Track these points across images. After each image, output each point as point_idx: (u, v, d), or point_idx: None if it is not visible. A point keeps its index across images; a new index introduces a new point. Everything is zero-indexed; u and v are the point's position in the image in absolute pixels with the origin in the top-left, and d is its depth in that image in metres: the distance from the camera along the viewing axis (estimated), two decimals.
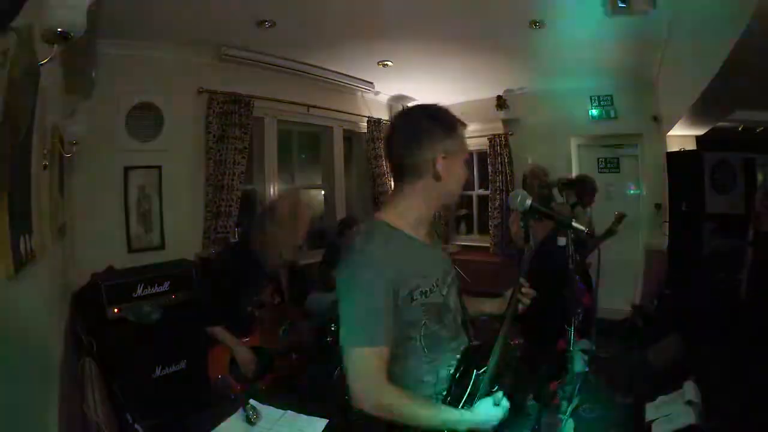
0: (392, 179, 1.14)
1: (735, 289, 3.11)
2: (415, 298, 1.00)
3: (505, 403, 1.03)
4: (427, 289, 1.03)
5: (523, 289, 1.23)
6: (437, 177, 1.05)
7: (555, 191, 3.24)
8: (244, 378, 2.02)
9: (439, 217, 5.44)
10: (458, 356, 1.10)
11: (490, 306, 1.34)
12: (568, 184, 2.97)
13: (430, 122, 1.07)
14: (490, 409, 1.00)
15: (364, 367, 0.95)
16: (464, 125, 1.13)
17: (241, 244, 2.23)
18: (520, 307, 1.23)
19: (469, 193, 5.72)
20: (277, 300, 2.17)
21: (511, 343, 3.58)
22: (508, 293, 1.27)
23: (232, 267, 2.17)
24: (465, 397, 1.05)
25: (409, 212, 1.09)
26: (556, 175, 3.21)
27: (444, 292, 1.08)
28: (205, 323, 2.03)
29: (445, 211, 5.48)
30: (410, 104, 1.19)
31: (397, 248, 1.00)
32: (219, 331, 2.01)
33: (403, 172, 1.09)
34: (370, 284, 0.96)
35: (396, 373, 1.02)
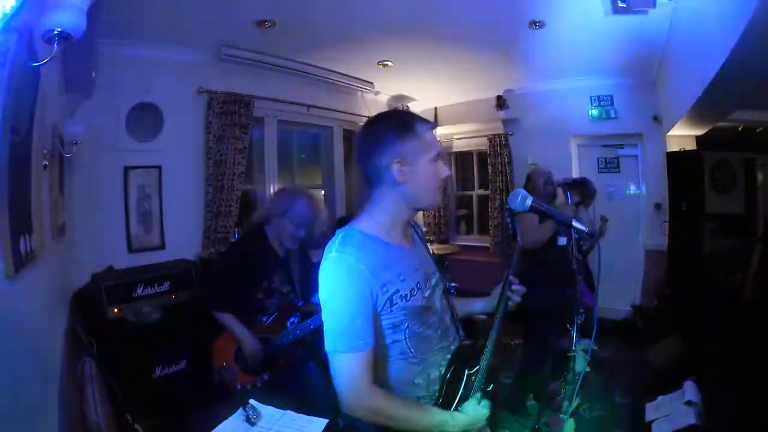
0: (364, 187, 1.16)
1: (735, 289, 3.11)
2: (395, 302, 1.01)
3: (486, 403, 1.04)
4: (407, 293, 1.03)
5: (513, 286, 1.22)
6: (396, 182, 1.05)
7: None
8: (249, 368, 2.01)
9: (440, 217, 5.44)
10: (448, 357, 1.10)
11: (479, 305, 1.34)
12: (572, 184, 2.97)
13: (382, 128, 1.08)
14: (477, 409, 1.02)
15: (348, 372, 0.97)
16: (428, 124, 1.12)
17: (255, 229, 2.22)
18: (510, 304, 1.22)
19: (469, 193, 5.72)
20: (286, 290, 2.16)
21: (511, 343, 3.59)
22: (497, 291, 1.27)
23: (242, 250, 2.18)
24: (457, 398, 1.06)
25: (381, 217, 1.09)
26: (557, 175, 3.20)
27: (426, 294, 1.08)
28: (213, 307, 2.02)
29: (444, 212, 5.48)
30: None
31: (372, 254, 1.01)
32: (229, 318, 1.99)
33: (366, 180, 1.11)
34: (346, 291, 0.97)
35: (386, 376, 1.02)
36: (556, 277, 2.52)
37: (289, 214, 2.08)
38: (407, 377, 1.04)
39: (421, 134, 1.08)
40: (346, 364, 0.97)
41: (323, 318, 1.01)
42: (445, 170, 1.12)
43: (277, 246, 2.14)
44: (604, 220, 3.24)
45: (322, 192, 4.97)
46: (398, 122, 1.09)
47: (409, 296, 1.03)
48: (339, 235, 1.05)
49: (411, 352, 1.04)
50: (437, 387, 1.06)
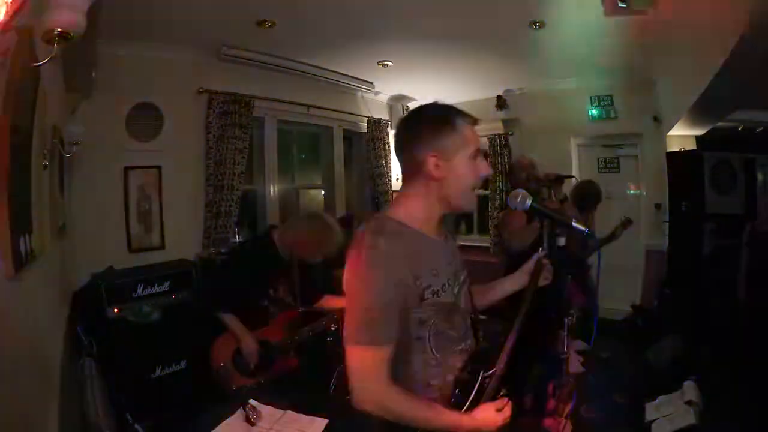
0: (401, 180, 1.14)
1: (735, 289, 3.12)
2: (425, 297, 0.98)
3: (508, 411, 1.02)
4: (438, 289, 1.00)
5: (545, 260, 1.22)
6: (431, 177, 1.02)
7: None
8: (246, 369, 2.02)
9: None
10: (466, 358, 1.08)
11: (510, 283, 1.31)
12: (555, 180, 2.90)
13: (421, 121, 1.05)
14: (491, 414, 1.00)
15: (366, 366, 0.94)
16: (470, 120, 1.08)
17: (264, 236, 2.22)
18: (542, 281, 1.21)
19: None
20: (289, 299, 2.18)
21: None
22: (529, 265, 1.26)
23: (251, 256, 2.19)
24: (470, 400, 1.04)
25: (416, 211, 1.06)
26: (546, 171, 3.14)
27: (455, 292, 1.06)
28: (216, 307, 2.03)
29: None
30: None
31: (408, 245, 0.98)
32: (230, 318, 2.00)
33: (404, 173, 1.09)
34: (379, 281, 0.94)
35: (402, 374, 1.00)
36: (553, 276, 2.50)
37: (301, 243, 2.09)
38: (424, 378, 1.02)
39: (460, 129, 1.05)
40: (365, 358, 0.94)
41: (348, 307, 0.98)
42: (484, 167, 1.09)
43: (285, 253, 2.14)
44: (626, 222, 3.11)
45: (323, 192, 4.97)
46: (437, 115, 1.06)
47: (440, 292, 1.00)
48: (372, 222, 1.02)
49: (431, 352, 1.02)
50: (451, 388, 1.04)
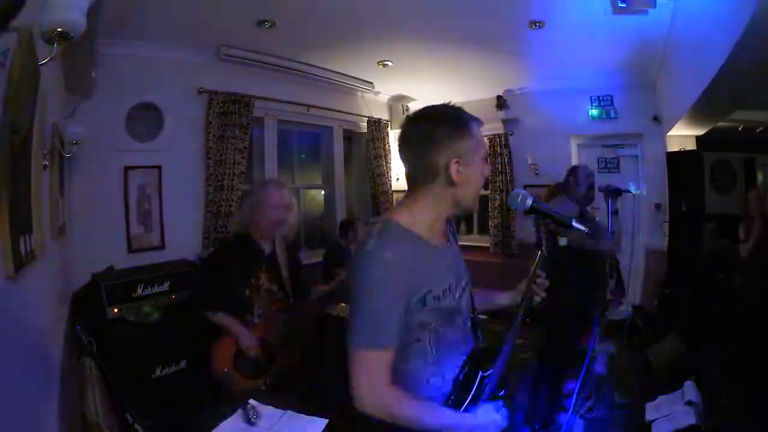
0: (406, 183, 1.12)
1: (735, 289, 3.11)
2: (427, 302, 0.99)
3: (505, 412, 1.02)
4: (440, 294, 1.01)
5: (538, 280, 1.21)
6: (451, 182, 1.02)
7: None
8: (249, 371, 2.01)
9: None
10: (465, 358, 1.09)
11: (503, 298, 1.33)
12: (615, 191, 2.85)
13: (440, 125, 1.03)
14: (491, 414, 1.00)
15: (367, 368, 0.95)
16: (479, 122, 1.09)
17: (240, 232, 2.24)
18: (535, 299, 1.21)
19: None
20: (274, 288, 2.17)
21: (519, 342, 3.58)
22: (522, 285, 1.26)
23: (228, 250, 2.21)
24: (469, 399, 1.05)
25: (422, 216, 1.06)
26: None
27: (456, 296, 1.07)
28: (204, 307, 2.03)
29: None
30: (420, 107, 1.15)
31: (411, 251, 0.99)
32: (221, 316, 2.00)
33: (415, 177, 1.07)
34: (381, 286, 0.95)
35: (402, 373, 1.01)
36: (586, 278, 2.47)
37: (262, 200, 2.08)
38: (423, 376, 1.03)
39: (476, 133, 1.06)
40: (367, 361, 0.95)
41: (350, 310, 0.99)
42: (488, 167, 1.12)
43: (263, 243, 2.14)
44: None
45: (323, 192, 4.97)
46: (455, 119, 1.05)
47: (441, 297, 1.01)
48: (376, 226, 1.02)
49: (431, 352, 1.03)
50: (450, 387, 1.05)
